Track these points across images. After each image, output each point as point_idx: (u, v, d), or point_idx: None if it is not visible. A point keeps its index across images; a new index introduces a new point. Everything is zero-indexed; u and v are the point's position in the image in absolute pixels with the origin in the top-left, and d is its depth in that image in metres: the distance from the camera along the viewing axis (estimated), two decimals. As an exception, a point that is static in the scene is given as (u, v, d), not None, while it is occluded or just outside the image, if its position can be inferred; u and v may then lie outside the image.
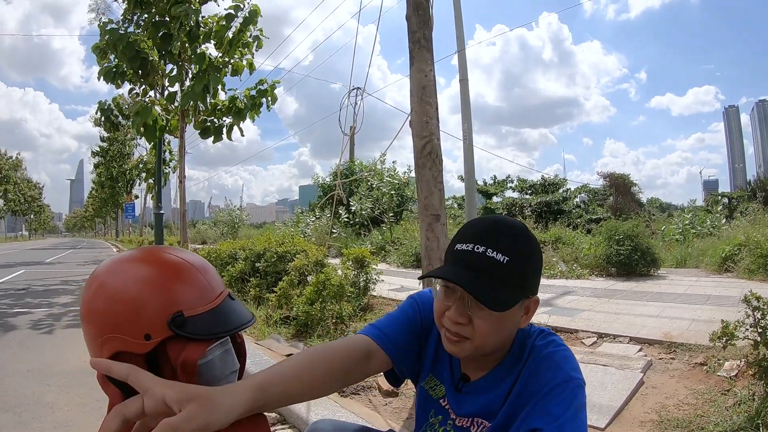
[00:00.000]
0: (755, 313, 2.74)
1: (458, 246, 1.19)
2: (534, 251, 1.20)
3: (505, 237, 1.15)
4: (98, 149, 39.65)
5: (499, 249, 1.13)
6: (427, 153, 3.72)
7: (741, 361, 3.52)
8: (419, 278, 1.28)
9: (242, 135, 12.31)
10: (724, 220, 13.87)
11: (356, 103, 19.90)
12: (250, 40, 11.56)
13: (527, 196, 27.82)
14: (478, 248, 1.14)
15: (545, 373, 1.16)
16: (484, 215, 1.31)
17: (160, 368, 1.10)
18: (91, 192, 64.90)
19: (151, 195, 27.38)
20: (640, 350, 4.38)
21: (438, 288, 1.24)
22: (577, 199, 28.37)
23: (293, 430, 2.94)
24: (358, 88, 17.48)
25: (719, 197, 24.92)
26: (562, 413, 1.08)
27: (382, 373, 1.42)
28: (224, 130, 12.21)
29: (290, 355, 4.38)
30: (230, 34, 11.12)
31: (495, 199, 29.01)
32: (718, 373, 3.54)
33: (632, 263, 9.06)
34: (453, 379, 1.35)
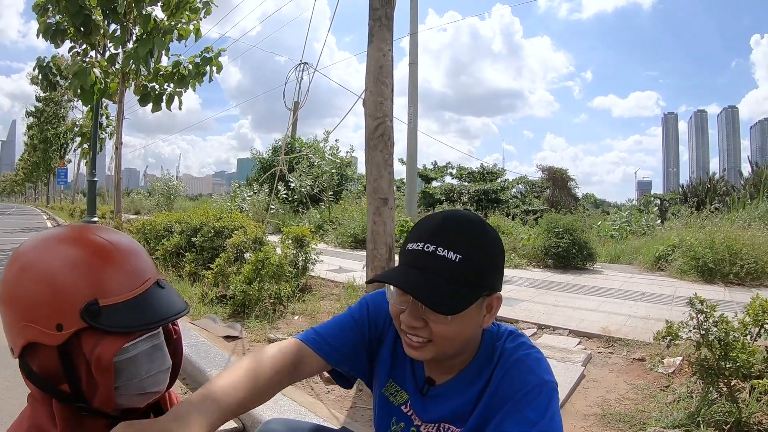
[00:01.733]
0: (699, 316, 2.76)
1: (409, 246, 1.11)
2: (491, 246, 1.12)
3: (457, 233, 1.08)
4: (33, 109, 37.63)
5: (450, 247, 1.05)
6: (380, 135, 3.60)
7: (679, 359, 3.57)
8: (367, 282, 1.17)
9: (180, 108, 11.83)
10: (658, 221, 14.34)
11: (301, 79, 19.59)
12: (200, 5, 11.13)
13: (466, 183, 28.16)
14: (427, 247, 1.07)
15: (518, 378, 1.11)
16: (438, 211, 1.21)
17: (74, 363, 0.97)
18: (22, 155, 61.66)
19: (85, 161, 26.32)
20: (580, 343, 4.40)
21: (392, 289, 1.14)
22: (515, 190, 28.93)
23: (237, 422, 2.76)
24: (306, 63, 17.19)
25: (652, 198, 25.79)
26: (539, 419, 1.03)
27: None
28: (164, 98, 11.73)
29: (227, 336, 4.22)
30: (178, -4, 10.66)
31: (434, 184, 29.25)
32: (657, 370, 3.58)
33: (570, 256, 9.23)
34: (417, 384, 1.28)
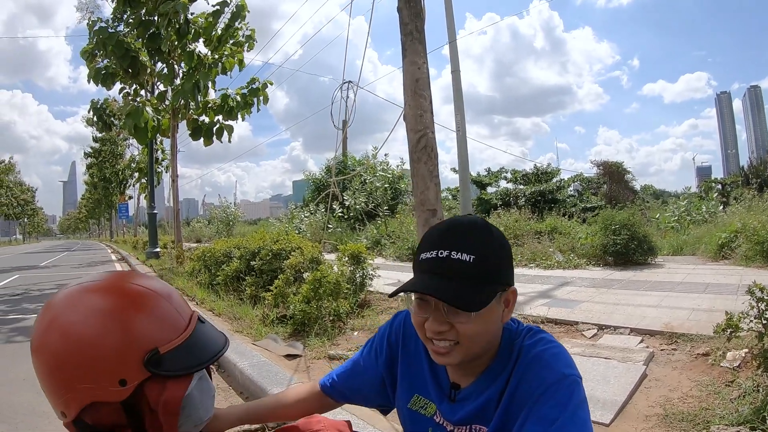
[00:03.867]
0: (759, 304, 2.69)
1: (422, 256, 1.16)
2: (499, 243, 1.17)
3: (466, 236, 1.13)
4: (91, 150, 39.32)
5: (462, 249, 1.11)
6: (422, 147, 3.66)
7: (744, 352, 3.48)
8: (390, 296, 1.25)
9: (230, 141, 12.17)
10: (721, 207, 13.87)
11: (347, 97, 19.83)
12: (242, 39, 11.48)
13: (521, 186, 27.83)
14: (441, 253, 1.12)
15: (536, 375, 1.13)
16: (440, 222, 1.28)
17: (139, 413, 1.01)
18: (84, 193, 64.54)
19: (144, 195, 27.25)
20: (642, 342, 4.34)
21: (413, 302, 1.20)
22: (571, 188, 28.47)
23: None
24: (350, 82, 17.41)
25: (713, 183, 24.94)
26: (558, 415, 1.04)
27: None
28: (215, 131, 12.11)
29: (288, 355, 4.34)
30: (219, 31, 11.03)
31: (489, 189, 29.02)
32: (721, 364, 3.50)
33: (629, 252, 9.03)
34: (442, 391, 1.33)
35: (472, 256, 1.10)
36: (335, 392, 1.55)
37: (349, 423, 1.54)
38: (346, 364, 1.58)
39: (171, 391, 0.99)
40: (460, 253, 1.10)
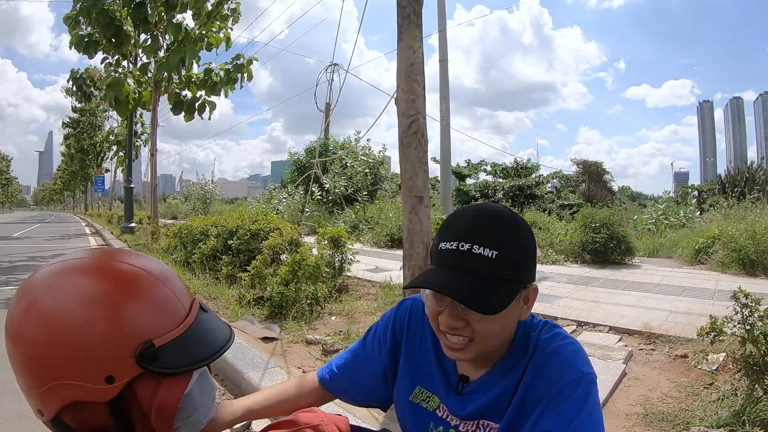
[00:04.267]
0: (743, 310, 2.69)
1: (442, 245, 1.07)
2: (525, 239, 1.08)
3: (491, 229, 1.05)
4: (69, 120, 38.49)
5: (486, 243, 1.02)
6: (413, 132, 3.59)
7: (723, 355, 3.50)
8: (405, 288, 1.17)
9: (210, 118, 11.98)
10: (698, 213, 14.04)
11: (332, 80, 19.69)
12: (227, 12, 11.26)
13: (501, 180, 28.02)
14: (462, 246, 1.03)
15: (555, 370, 1.07)
16: (466, 205, 1.18)
17: (127, 415, 0.87)
18: (60, 165, 63.22)
19: (121, 168, 26.87)
20: (620, 340, 4.35)
21: (427, 291, 1.12)
22: (550, 185, 28.71)
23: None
24: (336, 64, 17.28)
25: (689, 189, 25.30)
26: (575, 414, 1.00)
27: None
28: (197, 106, 11.90)
29: (265, 338, 4.27)
30: (209, 6, 10.80)
31: (469, 181, 29.16)
32: (702, 367, 3.51)
33: (607, 251, 9.08)
34: (449, 383, 1.25)
35: (495, 252, 1.02)
36: (335, 385, 1.45)
37: (346, 419, 1.45)
38: (345, 354, 1.47)
39: (167, 391, 0.86)
40: (482, 248, 1.02)
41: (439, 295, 1.08)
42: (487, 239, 1.03)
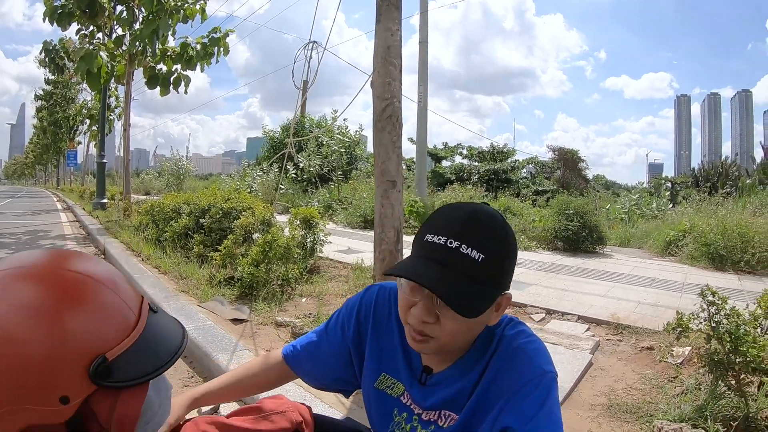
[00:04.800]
0: (710, 308, 2.72)
1: (429, 237, 1.06)
2: (511, 247, 1.09)
3: (482, 232, 1.04)
4: (42, 92, 37.45)
5: (474, 245, 1.01)
6: (387, 116, 3.54)
7: (688, 349, 3.55)
8: (384, 274, 1.15)
9: (185, 92, 11.73)
10: (670, 205, 14.21)
11: (310, 57, 19.42)
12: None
13: (476, 163, 28.14)
14: (451, 243, 1.02)
15: (517, 368, 1.08)
16: (460, 202, 1.16)
17: (85, 429, 0.82)
18: (32, 138, 61.57)
19: (94, 142, 26.26)
20: (588, 330, 4.38)
21: (402, 281, 1.10)
22: (525, 170, 28.95)
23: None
24: (315, 42, 17.04)
25: (663, 181, 25.65)
26: (536, 411, 1.01)
27: None
28: (172, 81, 11.66)
29: (234, 319, 4.22)
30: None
31: (445, 163, 29.26)
32: (666, 360, 3.55)
33: (579, 239, 9.15)
34: (413, 373, 1.26)
35: (482, 255, 1.01)
36: (298, 364, 1.46)
37: (309, 408, 1.43)
38: (310, 335, 1.48)
39: (125, 406, 0.82)
40: (470, 249, 1.01)
41: (417, 287, 1.07)
42: (477, 242, 1.02)
